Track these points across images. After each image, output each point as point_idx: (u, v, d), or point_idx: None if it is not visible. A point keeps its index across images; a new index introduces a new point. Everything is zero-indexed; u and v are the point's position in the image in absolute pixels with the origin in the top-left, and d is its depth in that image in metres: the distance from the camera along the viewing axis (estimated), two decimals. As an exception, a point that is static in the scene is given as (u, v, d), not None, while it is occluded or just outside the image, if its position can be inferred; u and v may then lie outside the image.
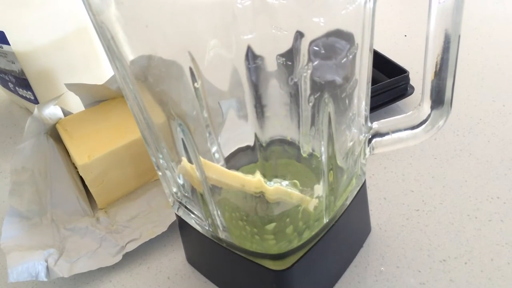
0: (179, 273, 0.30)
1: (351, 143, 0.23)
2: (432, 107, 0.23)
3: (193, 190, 0.23)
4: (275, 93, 0.17)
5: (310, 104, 0.19)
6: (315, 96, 0.19)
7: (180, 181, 0.23)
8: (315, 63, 0.18)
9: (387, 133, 0.25)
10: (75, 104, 0.41)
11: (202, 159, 0.20)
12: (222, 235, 0.23)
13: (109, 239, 0.31)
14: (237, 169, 0.21)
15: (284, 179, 0.21)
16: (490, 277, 0.27)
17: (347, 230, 0.27)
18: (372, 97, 0.38)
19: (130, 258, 0.31)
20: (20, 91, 0.44)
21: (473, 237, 0.29)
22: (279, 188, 0.20)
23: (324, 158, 0.21)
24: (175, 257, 0.31)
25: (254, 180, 0.20)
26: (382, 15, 0.57)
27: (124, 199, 0.35)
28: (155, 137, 0.22)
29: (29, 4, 0.38)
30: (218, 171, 0.21)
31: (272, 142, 0.19)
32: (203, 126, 0.19)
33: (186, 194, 0.24)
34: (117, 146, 0.33)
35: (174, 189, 0.25)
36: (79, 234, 0.32)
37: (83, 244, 0.31)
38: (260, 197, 0.20)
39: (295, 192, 0.21)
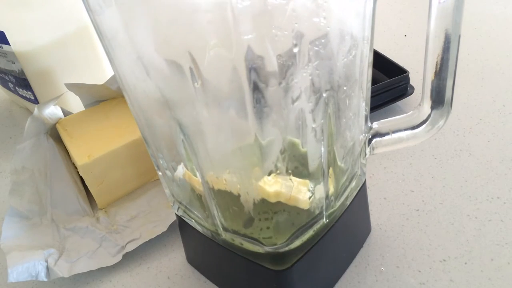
0: (179, 273, 0.30)
1: (351, 143, 0.23)
2: (432, 107, 0.23)
3: (192, 190, 0.23)
4: (275, 93, 0.17)
5: (310, 104, 0.19)
6: (315, 96, 0.19)
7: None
8: (315, 63, 0.18)
9: (387, 133, 0.25)
10: (75, 104, 0.41)
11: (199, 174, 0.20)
12: (222, 235, 0.23)
13: (109, 239, 0.31)
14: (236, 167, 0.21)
15: (285, 178, 0.21)
16: (490, 277, 0.27)
17: (347, 230, 0.27)
18: (372, 97, 0.38)
19: (130, 258, 0.31)
20: (20, 91, 0.44)
21: (473, 237, 0.29)
22: (280, 193, 0.20)
23: (324, 158, 0.21)
24: (175, 257, 0.31)
25: (256, 188, 0.20)
26: (382, 15, 0.57)
27: (124, 199, 0.35)
28: (155, 137, 0.22)
29: (29, 4, 0.38)
30: (217, 183, 0.21)
31: (272, 142, 0.19)
32: (203, 126, 0.19)
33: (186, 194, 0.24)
34: (117, 146, 0.33)
35: (174, 189, 0.25)
36: (79, 234, 0.32)
37: (83, 244, 0.31)
38: (261, 200, 0.20)
39: (284, 192, 0.21)
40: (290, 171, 0.20)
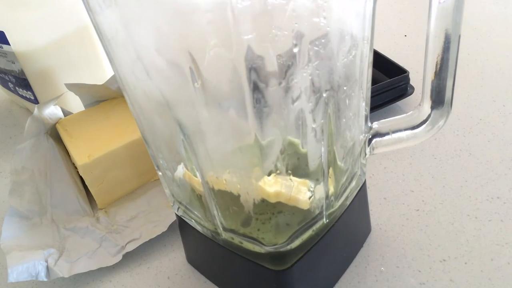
0: (179, 273, 0.30)
1: (351, 143, 0.23)
2: (432, 107, 0.23)
3: (193, 190, 0.23)
4: (275, 93, 0.17)
5: (310, 104, 0.19)
6: (315, 96, 0.19)
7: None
8: (315, 63, 0.18)
9: (387, 133, 0.25)
10: (75, 104, 0.41)
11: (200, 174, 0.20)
12: (222, 235, 0.23)
13: (109, 239, 0.31)
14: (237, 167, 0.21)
15: (285, 178, 0.21)
16: (490, 277, 0.27)
17: (347, 230, 0.27)
18: (372, 97, 0.38)
19: (130, 258, 0.31)
20: (20, 91, 0.44)
21: (473, 237, 0.29)
22: (280, 193, 0.20)
23: (324, 158, 0.21)
24: (175, 257, 0.31)
25: (256, 188, 0.20)
26: (382, 15, 0.57)
27: (124, 199, 0.35)
28: (155, 137, 0.22)
29: (29, 4, 0.38)
30: (217, 183, 0.21)
31: (272, 142, 0.19)
32: (203, 126, 0.19)
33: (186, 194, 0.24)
34: (117, 146, 0.33)
35: (174, 189, 0.25)
36: (79, 234, 0.32)
37: (83, 244, 0.31)
38: (261, 200, 0.20)
39: (284, 192, 0.21)
40: (290, 171, 0.20)
